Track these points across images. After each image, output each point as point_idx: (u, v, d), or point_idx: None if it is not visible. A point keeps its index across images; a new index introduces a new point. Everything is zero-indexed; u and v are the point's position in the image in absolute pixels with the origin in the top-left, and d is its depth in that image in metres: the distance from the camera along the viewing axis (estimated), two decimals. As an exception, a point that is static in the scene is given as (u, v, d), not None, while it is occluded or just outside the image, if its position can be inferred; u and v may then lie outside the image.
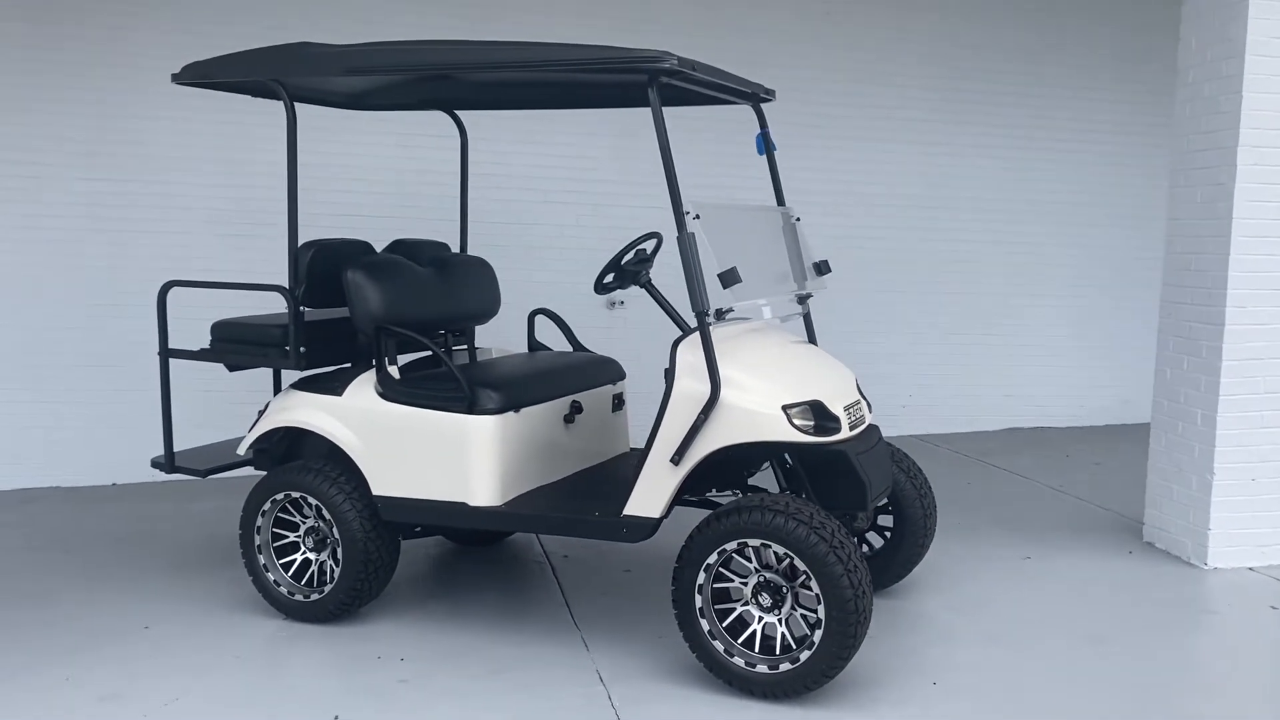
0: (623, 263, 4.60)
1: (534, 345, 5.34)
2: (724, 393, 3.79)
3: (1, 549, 5.42)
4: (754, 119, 7.75)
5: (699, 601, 3.76)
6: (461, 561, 5.29)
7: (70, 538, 5.63)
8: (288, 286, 4.48)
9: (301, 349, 4.46)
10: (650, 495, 3.91)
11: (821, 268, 4.75)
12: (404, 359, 4.84)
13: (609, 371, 5.00)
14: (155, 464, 4.88)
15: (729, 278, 3.80)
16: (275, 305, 6.70)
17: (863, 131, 8.01)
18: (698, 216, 3.84)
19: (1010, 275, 8.50)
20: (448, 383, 4.31)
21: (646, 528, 3.93)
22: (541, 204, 7.41)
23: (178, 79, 4.59)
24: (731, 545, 3.70)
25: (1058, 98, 8.42)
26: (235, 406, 6.69)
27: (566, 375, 4.70)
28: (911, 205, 8.21)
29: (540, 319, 6.88)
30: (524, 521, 4.19)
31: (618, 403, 5.08)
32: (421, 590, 4.87)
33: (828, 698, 3.73)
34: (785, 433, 3.78)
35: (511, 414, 4.27)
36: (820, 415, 3.91)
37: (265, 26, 6.74)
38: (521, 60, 3.85)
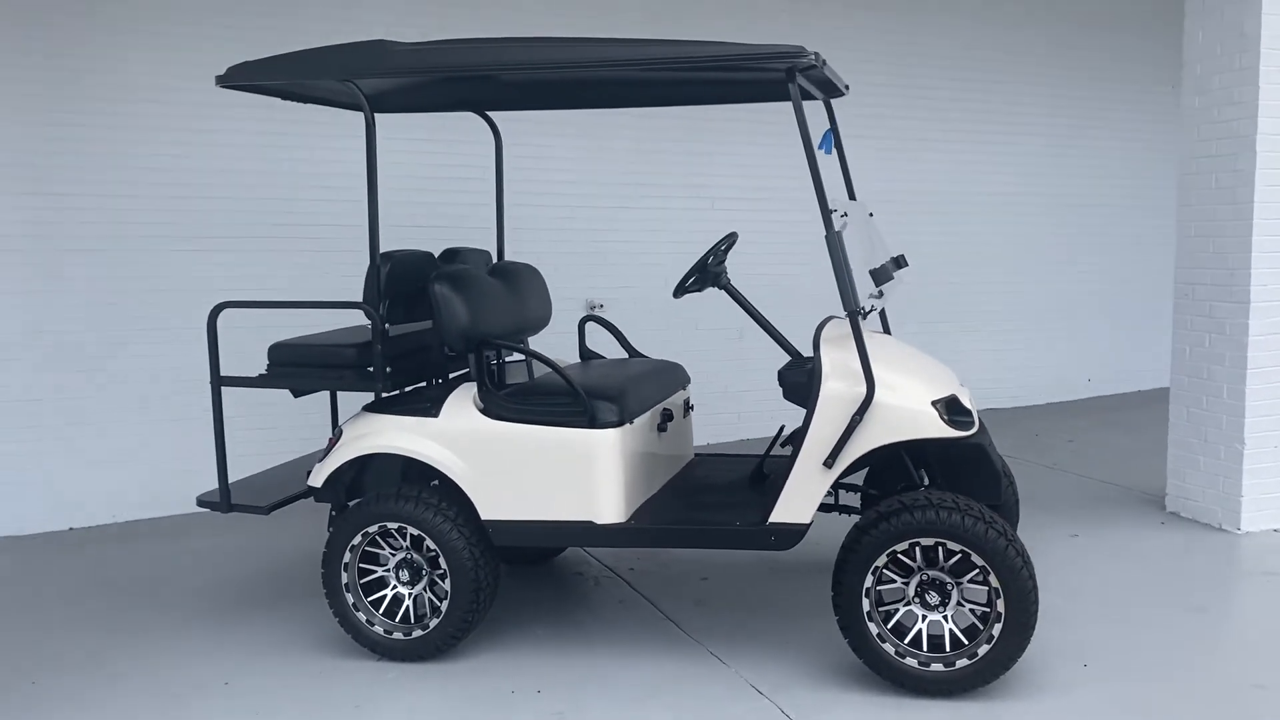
0: (708, 265, 4.51)
1: (585, 353, 5.16)
2: (877, 392, 3.76)
3: (-1, 610, 4.85)
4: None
5: (866, 605, 3.71)
6: (519, 581, 5.05)
7: (65, 591, 5.05)
8: (363, 301, 4.18)
9: (387, 369, 4.16)
10: (799, 500, 3.83)
11: (899, 261, 4.76)
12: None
13: (680, 377, 4.88)
14: (204, 503, 4.45)
15: (881, 275, 3.76)
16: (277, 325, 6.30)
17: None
18: (845, 215, 3.78)
19: (955, 265, 8.79)
20: (556, 397, 4.10)
21: (796, 534, 3.85)
22: (515, 206, 7.16)
23: (223, 81, 4.19)
24: (902, 546, 3.66)
25: (997, 95, 8.77)
26: (246, 433, 6.24)
27: (652, 383, 4.55)
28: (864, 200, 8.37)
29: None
30: (657, 536, 4.02)
31: (687, 407, 4.96)
32: (507, 615, 4.63)
33: (999, 691, 3.74)
34: (937, 429, 3.77)
35: (628, 426, 4.11)
36: (954, 410, 3.91)
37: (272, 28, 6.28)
38: (657, 58, 3.68)
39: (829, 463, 3.77)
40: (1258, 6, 5.16)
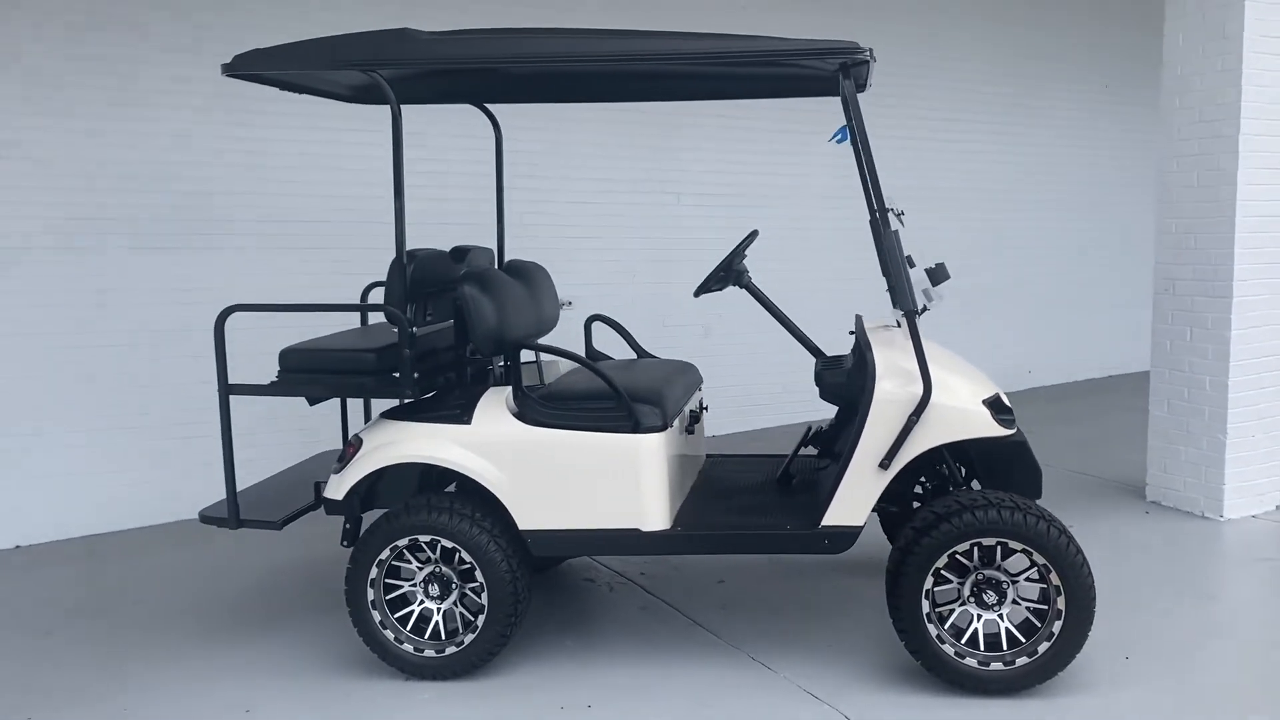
0: (732, 264, 4.45)
1: (593, 353, 5.03)
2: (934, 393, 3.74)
3: (-31, 640, 4.47)
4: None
5: (926, 607, 3.68)
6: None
7: (36, 616, 4.67)
8: (386, 303, 3.98)
9: (415, 374, 3.96)
10: (853, 503, 3.78)
11: (910, 261, 4.75)
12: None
13: (696, 377, 4.80)
14: (209, 519, 4.17)
15: (939, 274, 3.73)
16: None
17: (770, 124, 8.10)
18: (902, 213, 3.75)
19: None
20: (594, 400, 3.96)
21: (850, 537, 3.80)
22: (480, 201, 6.95)
23: (229, 70, 3.93)
24: (963, 547, 3.65)
25: (941, 91, 8.90)
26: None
27: (679, 384, 4.45)
28: (805, 194, 8.40)
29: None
30: (704, 543, 3.92)
31: (702, 408, 4.88)
32: (530, 627, 4.47)
33: (1052, 688, 3.76)
34: (990, 428, 3.77)
35: (669, 430, 4.00)
36: (998, 408, 3.92)
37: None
38: (710, 52, 3.57)
39: (885, 464, 3.73)
40: (1240, 8, 5.31)
